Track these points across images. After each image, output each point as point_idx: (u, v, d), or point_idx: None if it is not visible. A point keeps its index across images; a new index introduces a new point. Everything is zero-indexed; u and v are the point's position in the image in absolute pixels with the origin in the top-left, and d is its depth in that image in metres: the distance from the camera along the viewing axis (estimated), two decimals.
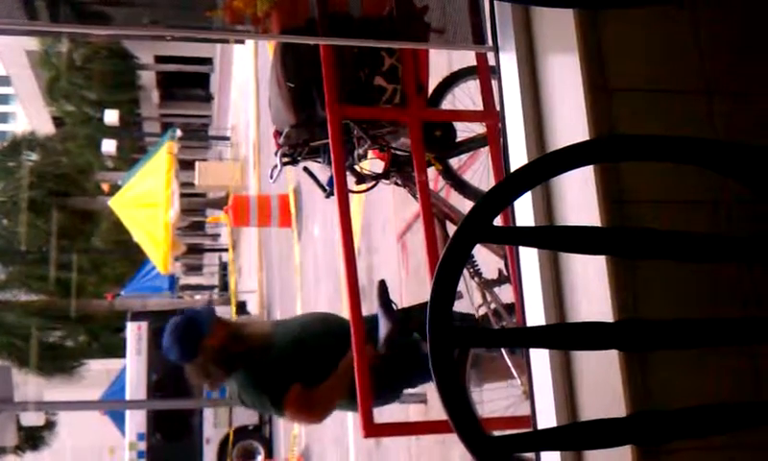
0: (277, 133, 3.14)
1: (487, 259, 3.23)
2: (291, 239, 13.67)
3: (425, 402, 5.84)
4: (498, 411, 3.11)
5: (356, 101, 2.95)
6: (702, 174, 1.53)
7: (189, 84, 31.77)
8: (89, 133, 26.91)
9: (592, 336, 1.39)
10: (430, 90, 3.21)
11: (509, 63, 1.94)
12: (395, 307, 3.03)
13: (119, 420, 16.46)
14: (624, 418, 1.49)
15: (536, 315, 1.82)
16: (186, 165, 20.69)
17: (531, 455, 2.17)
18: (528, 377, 1.84)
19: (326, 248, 10.68)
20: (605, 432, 1.36)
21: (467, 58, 3.49)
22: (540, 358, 1.78)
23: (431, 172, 3.22)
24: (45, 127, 28.34)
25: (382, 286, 3.03)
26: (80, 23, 3.02)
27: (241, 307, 18.06)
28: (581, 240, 1.44)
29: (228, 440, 14.73)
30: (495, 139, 2.98)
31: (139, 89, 29.69)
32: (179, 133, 17.33)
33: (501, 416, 3.06)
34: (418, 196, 2.98)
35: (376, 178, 3.21)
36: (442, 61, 4.44)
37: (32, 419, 19.10)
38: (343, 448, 8.98)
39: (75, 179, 24.00)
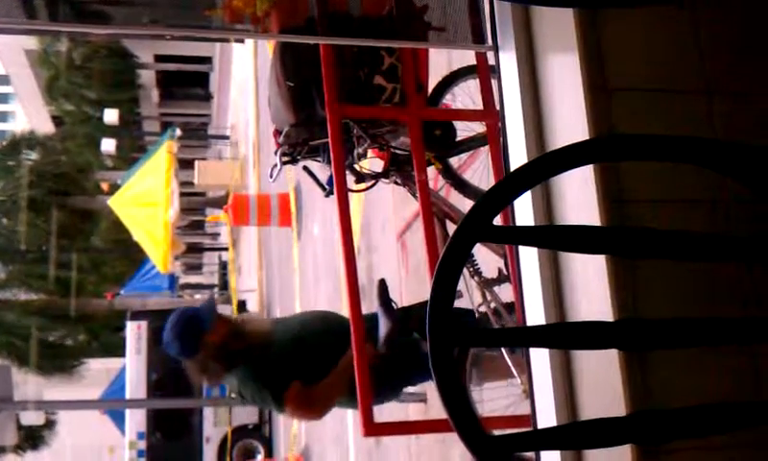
0: (277, 133, 3.13)
1: (486, 258, 3.23)
2: (291, 238, 13.66)
3: (425, 401, 5.83)
4: (498, 410, 3.11)
5: (356, 100, 2.95)
6: (701, 173, 1.53)
7: (189, 84, 31.75)
8: (89, 132, 26.88)
9: (592, 335, 1.39)
10: (430, 89, 3.21)
11: (509, 63, 1.94)
12: (394, 306, 3.03)
13: (119, 419, 16.47)
14: (624, 417, 1.50)
15: (536, 314, 1.82)
16: (186, 164, 20.69)
17: (531, 455, 2.17)
18: (528, 377, 1.84)
19: (326, 247, 10.67)
20: (605, 432, 1.37)
21: (466, 57, 3.49)
22: (540, 357, 1.78)
23: (431, 171, 3.22)
24: (45, 126, 28.32)
25: (382, 285, 3.04)
26: (79, 22, 3.02)
27: (241, 306, 18.06)
28: (580, 239, 1.45)
29: (228, 439, 14.74)
30: (495, 139, 2.98)
31: (139, 88, 29.66)
32: (178, 132, 17.34)
33: (501, 415, 3.06)
34: (417, 195, 2.98)
35: (376, 177, 3.20)
36: (441, 61, 4.44)
37: (31, 418, 19.08)
38: (343, 448, 8.98)
39: (74, 178, 24.02)
